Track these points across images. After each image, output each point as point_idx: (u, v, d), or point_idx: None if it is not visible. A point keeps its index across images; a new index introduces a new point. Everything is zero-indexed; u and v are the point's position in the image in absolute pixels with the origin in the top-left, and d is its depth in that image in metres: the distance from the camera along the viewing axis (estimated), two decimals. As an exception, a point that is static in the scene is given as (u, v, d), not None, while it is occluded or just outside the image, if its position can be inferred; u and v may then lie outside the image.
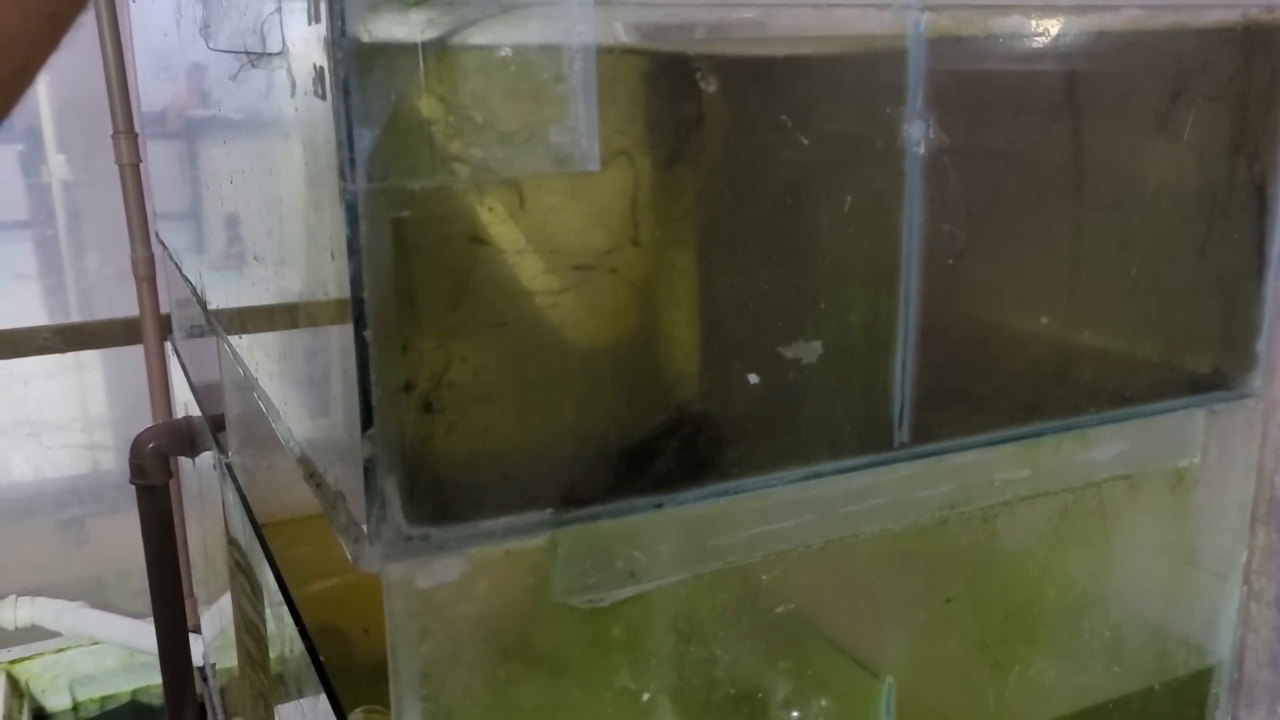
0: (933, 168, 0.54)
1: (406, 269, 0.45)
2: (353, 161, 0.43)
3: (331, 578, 0.77)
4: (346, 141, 0.43)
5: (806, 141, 0.51)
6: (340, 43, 0.42)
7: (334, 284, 0.47)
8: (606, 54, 0.47)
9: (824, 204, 0.52)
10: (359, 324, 0.45)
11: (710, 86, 0.49)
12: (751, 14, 0.49)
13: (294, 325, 0.58)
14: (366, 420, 0.46)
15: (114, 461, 2.22)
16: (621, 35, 0.47)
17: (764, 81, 0.50)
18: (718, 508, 0.53)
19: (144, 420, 1.86)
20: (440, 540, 0.48)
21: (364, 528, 0.47)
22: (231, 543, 0.95)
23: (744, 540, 0.54)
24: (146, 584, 1.89)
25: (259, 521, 0.83)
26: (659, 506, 0.52)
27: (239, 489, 0.88)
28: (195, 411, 1.76)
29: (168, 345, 1.70)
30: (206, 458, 1.21)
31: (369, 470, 0.46)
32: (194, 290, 1.03)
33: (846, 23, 0.52)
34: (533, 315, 0.48)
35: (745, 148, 0.50)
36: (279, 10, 0.50)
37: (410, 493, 0.47)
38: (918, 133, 0.53)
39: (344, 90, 0.43)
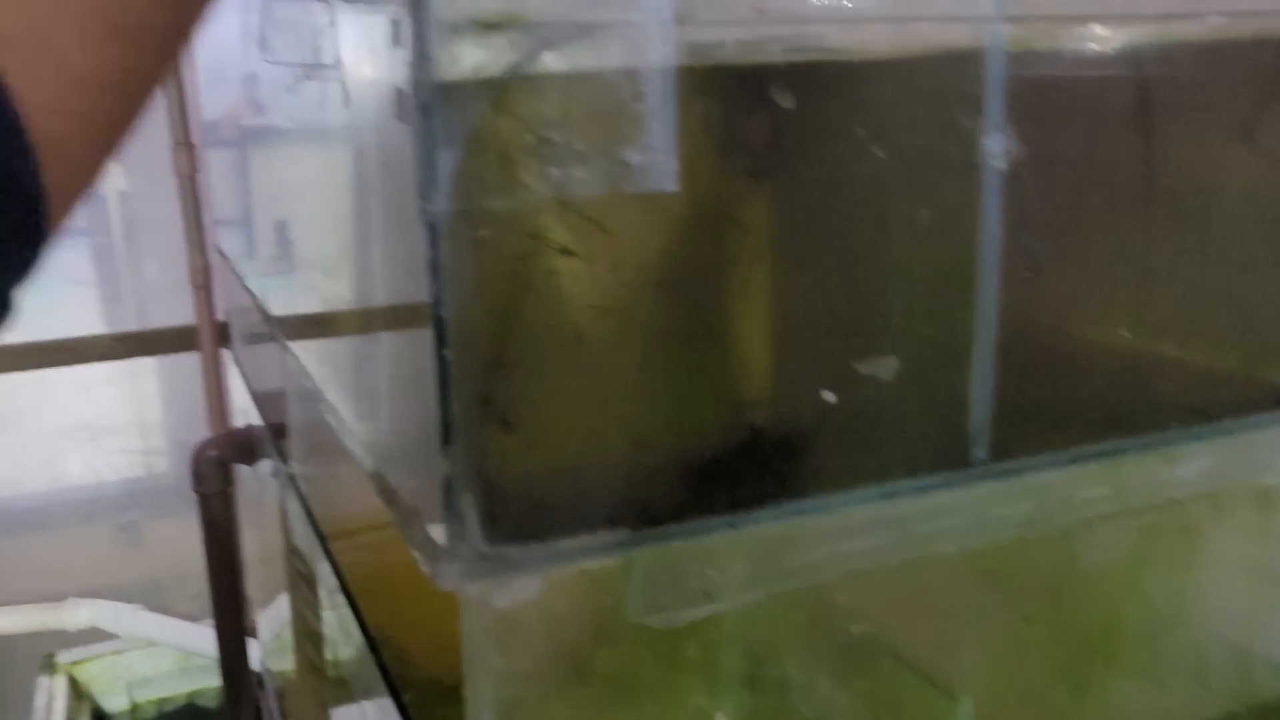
0: (1011, 180, 0.53)
1: (486, 288, 0.45)
2: (434, 183, 0.43)
3: (398, 587, 0.77)
4: (428, 164, 0.43)
5: (883, 155, 0.51)
6: (423, 66, 0.42)
7: (413, 303, 0.47)
8: (683, 71, 0.46)
9: (901, 218, 0.52)
10: (439, 342, 0.45)
11: (787, 101, 0.48)
12: (829, 29, 0.49)
13: (367, 341, 0.58)
14: (446, 438, 0.46)
15: (168, 465, 2.26)
16: (698, 52, 0.47)
17: (841, 96, 0.50)
18: (792, 527, 0.53)
19: (198, 425, 1.89)
20: (517, 559, 0.48)
21: (442, 546, 0.47)
22: (294, 552, 0.96)
23: (819, 560, 0.54)
24: (202, 587, 1.92)
25: (323, 531, 0.83)
26: (733, 526, 0.51)
27: (303, 499, 0.88)
28: (251, 417, 1.78)
29: (224, 352, 1.72)
30: (264, 464, 1.22)
31: (448, 489, 0.46)
32: (256, 301, 1.04)
33: (924, 36, 0.51)
34: (609, 332, 0.48)
35: (821, 162, 0.50)
36: (359, 30, 0.50)
37: (488, 511, 0.47)
38: (996, 145, 0.52)
39: (425, 113, 0.43)
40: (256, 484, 1.22)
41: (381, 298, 0.57)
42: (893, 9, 0.50)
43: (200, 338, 1.74)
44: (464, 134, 0.44)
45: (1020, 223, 0.54)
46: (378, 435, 0.59)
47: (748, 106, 0.48)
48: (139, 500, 2.15)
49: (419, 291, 0.45)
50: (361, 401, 0.62)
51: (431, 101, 0.43)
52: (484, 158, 0.44)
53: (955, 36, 0.51)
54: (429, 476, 0.47)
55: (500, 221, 0.45)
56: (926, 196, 0.52)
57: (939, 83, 0.51)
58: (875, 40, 0.50)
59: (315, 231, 0.74)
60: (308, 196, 0.78)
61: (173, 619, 1.75)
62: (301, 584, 0.96)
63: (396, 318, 0.52)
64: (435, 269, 0.44)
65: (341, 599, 0.78)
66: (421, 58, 0.42)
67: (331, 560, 0.80)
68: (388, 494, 0.56)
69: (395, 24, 0.46)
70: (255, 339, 1.19)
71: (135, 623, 1.71)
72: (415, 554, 0.50)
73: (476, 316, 0.45)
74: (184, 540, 2.12)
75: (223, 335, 1.74)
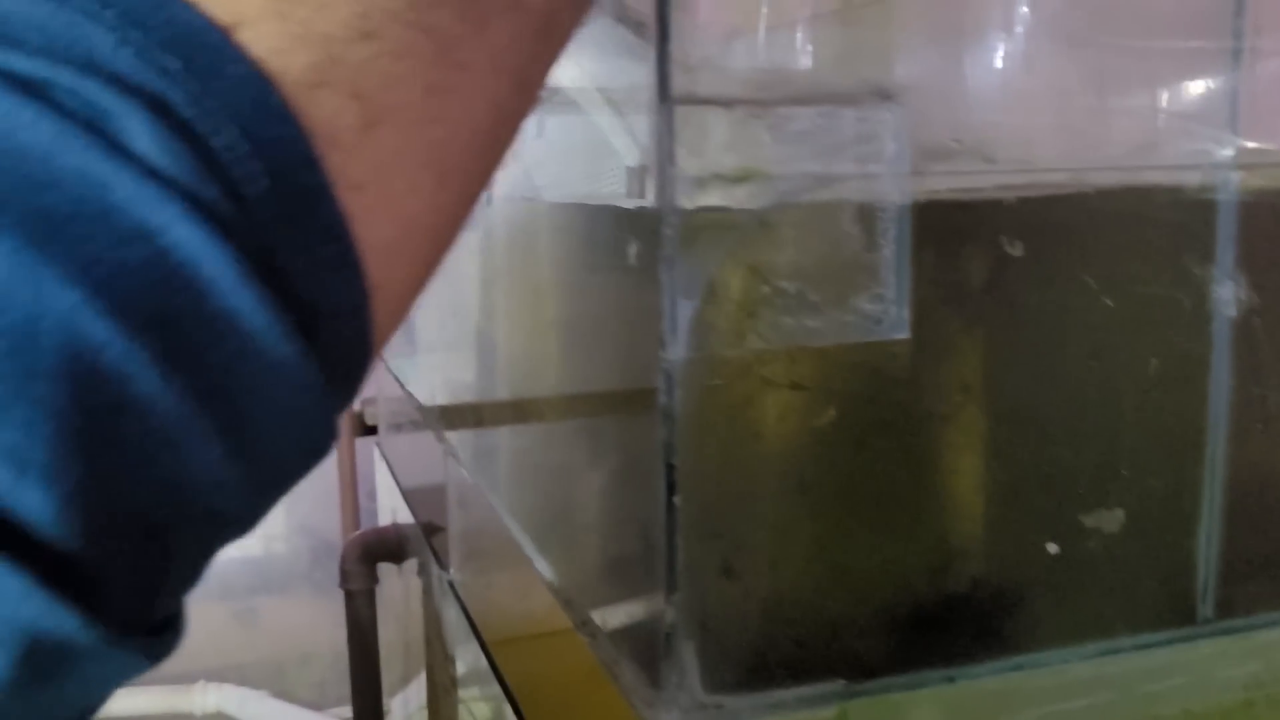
0: (1242, 329, 0.51)
1: (718, 436, 0.45)
2: (673, 334, 0.44)
3: (569, 698, 0.76)
4: (669, 313, 0.44)
5: (1112, 304, 0.50)
6: (669, 219, 0.43)
7: (639, 447, 0.48)
8: (915, 220, 0.46)
9: (1129, 367, 0.50)
10: (669, 490, 0.45)
11: (1016, 250, 0.48)
12: (1060, 177, 0.48)
13: (572, 474, 0.59)
14: (670, 585, 0.45)
15: (287, 548, 2.30)
16: (929, 201, 0.47)
17: (1069, 243, 0.49)
18: (1009, 682, 0.51)
19: (322, 510, 1.93)
20: (734, 709, 0.47)
21: (659, 693, 0.46)
22: (448, 659, 0.96)
23: (1038, 718, 0.51)
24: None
25: (485, 638, 0.83)
26: (951, 679, 0.50)
27: (463, 605, 0.89)
28: (375, 503, 1.80)
29: (359, 442, 1.76)
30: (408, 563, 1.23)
31: (670, 636, 0.46)
32: (419, 405, 1.06)
33: (1155, 183, 0.50)
34: (833, 481, 0.48)
35: (1049, 310, 0.49)
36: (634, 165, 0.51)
37: (708, 660, 0.46)
38: (1227, 293, 0.51)
39: (669, 264, 0.43)
40: (402, 581, 1.23)
41: (599, 439, 0.57)
42: (1124, 157, 0.49)
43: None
44: (702, 283, 0.44)
45: (1251, 372, 0.52)
46: (575, 567, 0.59)
47: (975, 253, 0.48)
48: (266, 582, 2.20)
49: (650, 437, 0.46)
50: (556, 528, 0.63)
51: (674, 255, 0.43)
52: (720, 306, 0.44)
53: (1186, 182, 0.50)
54: (649, 622, 0.47)
55: (734, 370, 0.45)
56: (1155, 345, 0.50)
57: (1170, 230, 0.50)
58: (1106, 187, 0.49)
59: (531, 358, 0.74)
60: (470, 292, 0.80)
61: (298, 708, 1.76)
62: (454, 689, 0.96)
63: (617, 461, 0.53)
64: (668, 416, 0.45)
65: (507, 709, 0.77)
66: (667, 213, 0.43)
67: (495, 669, 0.79)
68: (587, 628, 0.56)
69: (634, 173, 0.47)
70: (405, 429, 1.22)
71: (262, 710, 1.73)
72: (625, 695, 0.49)
73: (706, 464, 0.45)
74: (305, 625, 2.15)
75: (357, 426, 1.78)
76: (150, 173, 0.19)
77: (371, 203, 0.22)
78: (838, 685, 0.48)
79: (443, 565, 0.96)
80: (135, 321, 0.19)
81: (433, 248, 0.25)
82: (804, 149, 0.44)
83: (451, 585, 0.92)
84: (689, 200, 0.43)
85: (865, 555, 0.48)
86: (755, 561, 0.47)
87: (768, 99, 0.44)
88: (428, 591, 1.09)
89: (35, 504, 0.18)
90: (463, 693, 1.09)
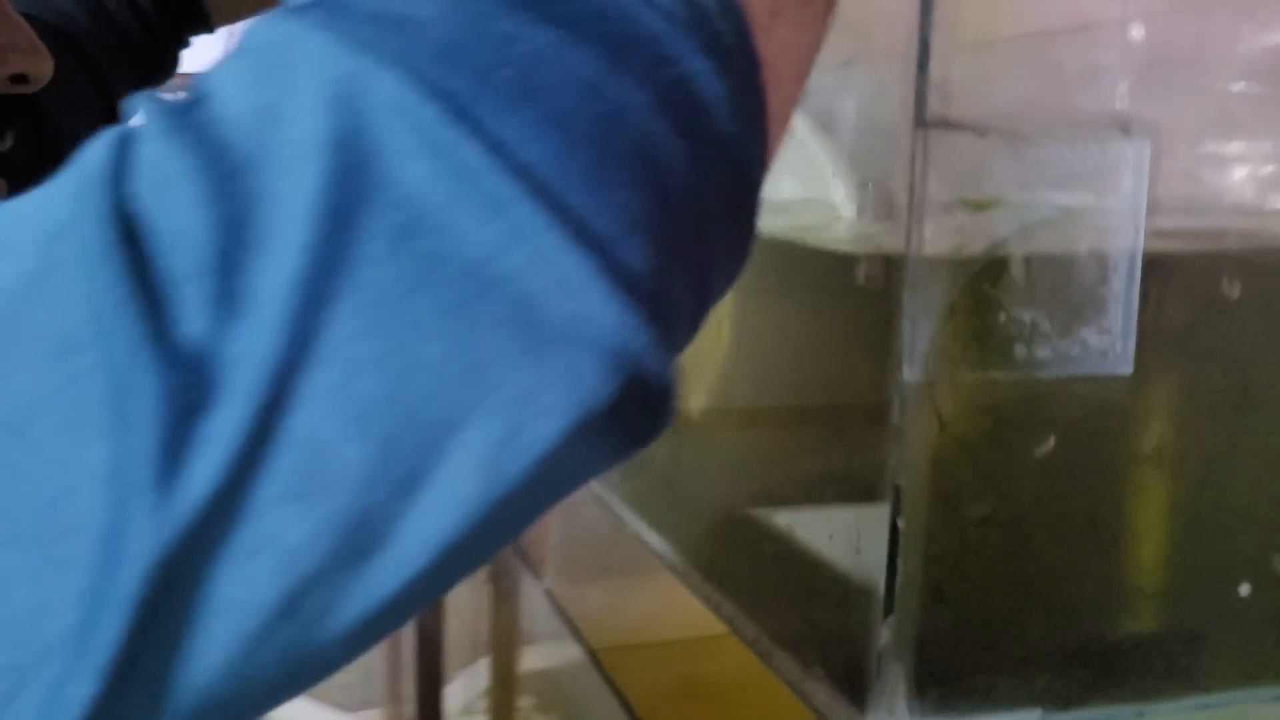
0: None
1: (944, 460, 0.46)
2: (911, 355, 0.44)
3: (687, 705, 0.76)
4: (909, 336, 0.44)
5: (1317, 349, 0.50)
6: (915, 244, 0.44)
7: (853, 467, 0.48)
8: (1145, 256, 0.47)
9: (1329, 413, 0.51)
10: (894, 510, 0.45)
11: (1233, 292, 0.48)
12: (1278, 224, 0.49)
13: (758, 494, 0.59)
14: (888, 606, 0.46)
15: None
16: (1158, 240, 0.47)
17: (1281, 287, 0.49)
18: (1193, 720, 0.51)
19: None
20: (937, 733, 0.47)
21: (865, 715, 0.46)
22: (517, 665, 0.96)
23: (1220, 757, 0.51)
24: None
25: (593, 647, 0.83)
26: (1140, 715, 0.50)
27: (566, 617, 0.88)
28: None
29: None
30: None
31: (882, 656, 0.46)
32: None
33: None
34: (1045, 514, 0.48)
35: (1260, 352, 0.50)
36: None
37: (916, 683, 0.46)
38: None
39: (913, 287, 0.44)
40: (469, 586, 1.22)
41: (775, 441, 0.57)
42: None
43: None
44: (941, 308, 0.44)
45: None
46: (744, 580, 0.59)
47: (1192, 293, 0.48)
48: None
49: (877, 458, 0.46)
50: (716, 542, 0.63)
51: (917, 279, 0.44)
52: (957, 332, 0.45)
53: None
54: (852, 642, 0.47)
55: (964, 396, 0.45)
56: (1356, 392, 0.51)
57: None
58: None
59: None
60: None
61: (327, 707, 1.75)
62: (516, 693, 0.96)
63: (832, 475, 0.53)
64: (899, 436, 0.45)
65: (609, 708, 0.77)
66: (914, 238, 0.44)
67: (604, 674, 0.79)
68: (758, 645, 0.56)
69: (866, 193, 0.48)
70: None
71: (290, 709, 1.71)
72: (819, 714, 0.49)
73: (931, 487, 0.46)
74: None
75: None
76: (669, 13, 0.22)
77: (769, 82, 0.25)
78: (1035, 714, 0.48)
79: (534, 573, 0.96)
80: (678, 127, 0.22)
81: (779, 141, 0.27)
82: (1045, 178, 0.45)
83: (549, 594, 0.92)
84: (935, 225, 0.44)
85: (1066, 588, 0.49)
86: (964, 587, 0.47)
87: (1016, 128, 0.44)
88: (500, 599, 1.09)
89: (636, 256, 0.20)
90: (528, 699, 1.08)
